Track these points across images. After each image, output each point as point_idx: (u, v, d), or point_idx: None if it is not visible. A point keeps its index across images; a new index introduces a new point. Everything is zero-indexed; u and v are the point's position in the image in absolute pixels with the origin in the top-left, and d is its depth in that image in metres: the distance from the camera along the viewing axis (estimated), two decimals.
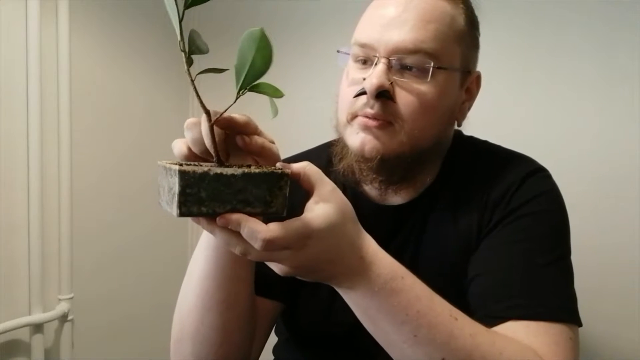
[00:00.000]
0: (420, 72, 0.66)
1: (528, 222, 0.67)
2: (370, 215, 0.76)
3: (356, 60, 0.71)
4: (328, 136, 0.82)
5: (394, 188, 0.73)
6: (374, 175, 0.70)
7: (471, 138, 0.82)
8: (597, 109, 1.25)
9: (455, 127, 0.78)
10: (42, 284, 1.34)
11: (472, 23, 0.72)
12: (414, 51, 0.65)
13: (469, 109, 0.76)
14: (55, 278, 1.40)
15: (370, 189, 0.76)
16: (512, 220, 0.68)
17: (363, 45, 0.68)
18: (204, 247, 0.62)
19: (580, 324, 0.62)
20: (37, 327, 1.34)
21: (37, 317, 1.32)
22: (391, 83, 0.66)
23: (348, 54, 0.72)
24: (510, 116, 1.34)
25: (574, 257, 0.68)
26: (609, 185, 1.24)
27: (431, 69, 0.66)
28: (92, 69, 1.49)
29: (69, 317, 1.42)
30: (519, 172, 0.71)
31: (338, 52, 0.74)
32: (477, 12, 0.74)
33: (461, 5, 0.71)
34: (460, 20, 0.70)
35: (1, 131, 1.26)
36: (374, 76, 0.65)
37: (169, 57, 1.72)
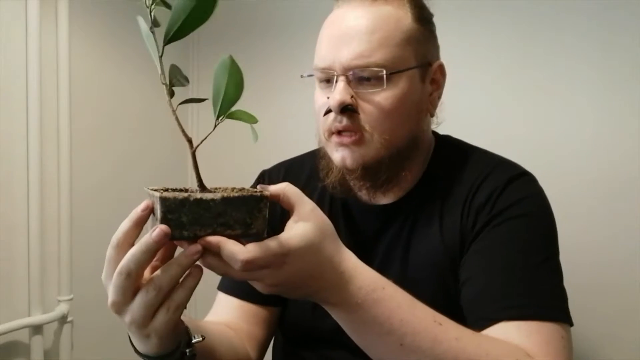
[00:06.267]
0: (376, 81, 0.70)
1: (514, 224, 0.69)
2: (359, 216, 0.80)
3: (320, 81, 0.75)
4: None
5: (382, 190, 0.76)
6: (362, 182, 0.74)
7: (459, 142, 0.84)
8: (595, 110, 1.25)
9: (439, 122, 0.81)
10: (42, 285, 1.35)
11: (421, 18, 0.74)
12: (364, 66, 0.69)
13: (439, 98, 0.79)
14: (55, 279, 1.41)
15: (361, 195, 0.79)
16: (498, 224, 0.69)
17: (322, 70, 0.73)
18: None
19: (571, 323, 0.64)
20: (37, 329, 1.35)
21: (36, 318, 1.33)
22: (352, 97, 0.70)
23: (312, 75, 0.76)
24: (507, 116, 1.35)
25: (573, 257, 0.69)
26: (607, 185, 1.24)
27: (384, 76, 0.69)
28: (91, 70, 1.50)
29: (69, 319, 1.43)
30: (503, 176, 0.73)
31: (302, 77, 0.79)
32: (429, 5, 0.77)
33: (407, 5, 0.73)
34: (407, 19, 0.72)
35: (1, 132, 1.27)
36: (336, 93, 0.69)
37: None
